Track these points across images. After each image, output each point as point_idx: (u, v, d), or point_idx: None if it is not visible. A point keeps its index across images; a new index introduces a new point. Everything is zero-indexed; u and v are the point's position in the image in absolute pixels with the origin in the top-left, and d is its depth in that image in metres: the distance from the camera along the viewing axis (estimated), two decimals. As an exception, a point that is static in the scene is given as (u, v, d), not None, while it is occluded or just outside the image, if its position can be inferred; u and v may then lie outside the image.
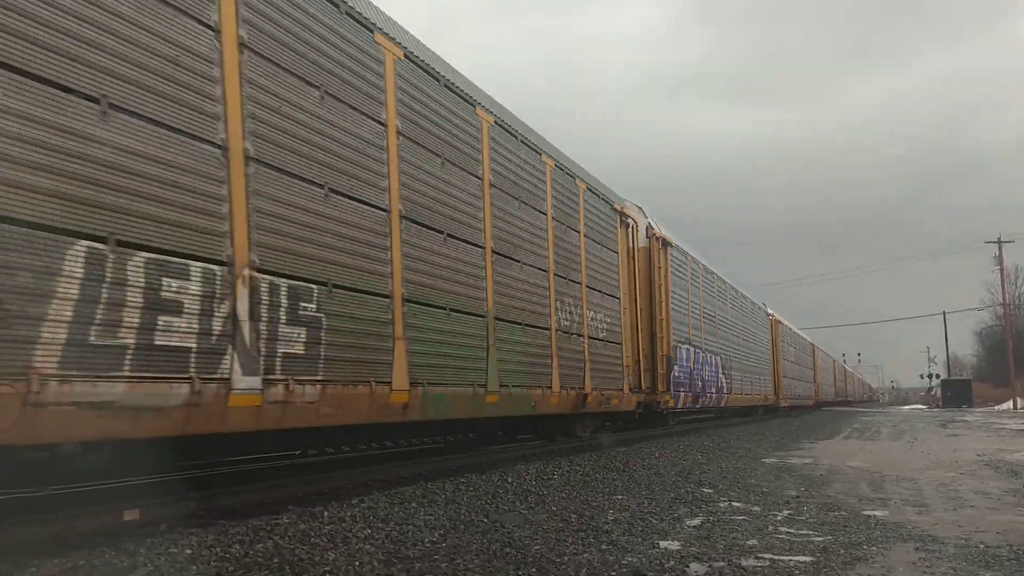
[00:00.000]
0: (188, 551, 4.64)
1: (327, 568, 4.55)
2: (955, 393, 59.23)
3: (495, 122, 10.06)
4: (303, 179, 6.51)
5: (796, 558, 4.96)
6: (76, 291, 4.60)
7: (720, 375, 21.40)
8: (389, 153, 7.72)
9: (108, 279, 4.81)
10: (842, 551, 5.15)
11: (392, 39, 7.89)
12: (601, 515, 6.46)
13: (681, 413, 19.14)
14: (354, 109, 7.23)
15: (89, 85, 4.78)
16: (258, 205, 5.98)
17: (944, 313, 70.61)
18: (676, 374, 16.82)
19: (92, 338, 4.69)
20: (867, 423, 27.83)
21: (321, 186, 6.72)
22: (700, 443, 14.82)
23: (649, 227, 16.05)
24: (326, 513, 5.95)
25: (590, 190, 13.24)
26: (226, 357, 5.55)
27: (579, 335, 12.16)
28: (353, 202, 7.14)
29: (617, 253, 14.25)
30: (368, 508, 6.28)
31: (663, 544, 5.34)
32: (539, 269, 10.96)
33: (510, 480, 8.28)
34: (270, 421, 6.03)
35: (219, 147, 5.68)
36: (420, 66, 8.36)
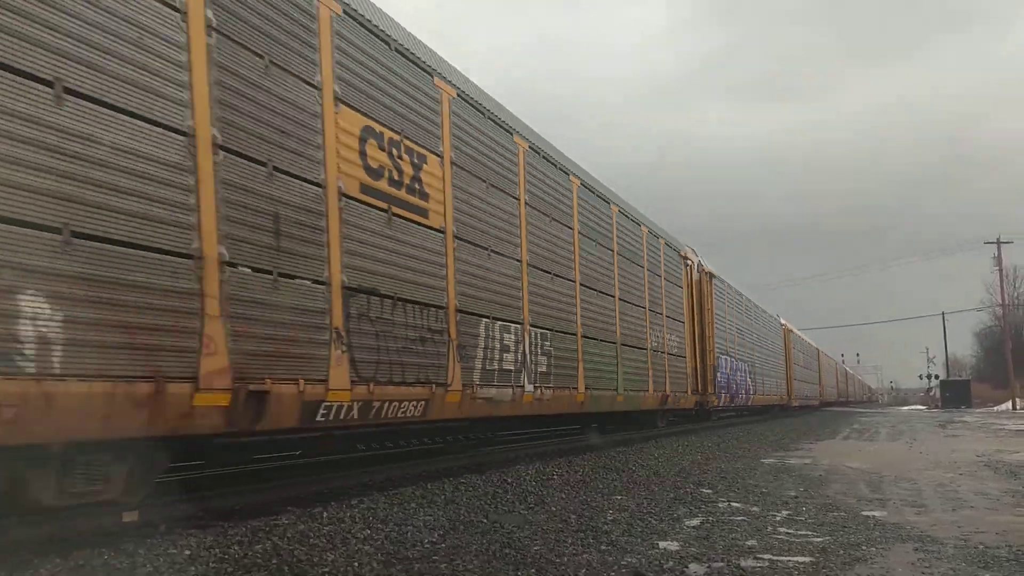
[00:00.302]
0: (187, 552, 4.64)
1: (326, 569, 4.56)
2: (954, 394, 59.28)
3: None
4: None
5: (795, 559, 4.96)
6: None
7: (748, 379, 25.42)
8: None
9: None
10: (841, 552, 5.16)
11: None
12: (600, 515, 6.46)
13: (721, 410, 23.40)
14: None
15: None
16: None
17: (943, 314, 70.67)
18: (718, 379, 21.02)
19: (494, 366, 9.45)
20: (866, 424, 27.84)
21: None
22: (699, 443, 14.83)
23: (700, 264, 20.38)
24: (325, 514, 5.95)
25: (668, 245, 17.76)
26: (522, 374, 10.11)
27: (662, 352, 16.48)
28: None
29: (682, 288, 18.50)
30: (367, 509, 6.28)
31: (662, 544, 5.35)
32: (639, 307, 15.22)
33: (509, 481, 8.29)
34: (533, 409, 10.53)
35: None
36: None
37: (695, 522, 6.24)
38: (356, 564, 4.69)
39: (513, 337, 9.98)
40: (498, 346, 9.56)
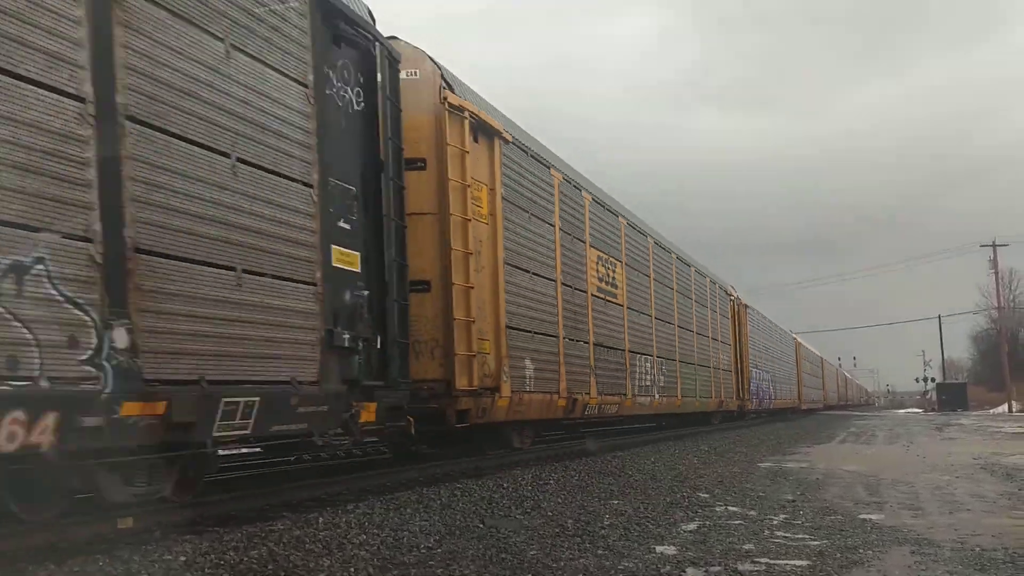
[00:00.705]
0: (183, 558, 4.63)
1: (322, 574, 4.54)
2: (950, 397, 59.32)
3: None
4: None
5: (792, 562, 4.95)
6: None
7: (770, 387, 32.22)
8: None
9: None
10: (838, 555, 5.15)
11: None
12: (597, 520, 6.44)
13: (751, 412, 29.39)
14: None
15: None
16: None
17: (939, 317, 70.76)
18: (751, 387, 27.86)
19: (643, 383, 16.52)
20: (863, 427, 27.87)
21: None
22: (696, 448, 14.83)
23: (737, 297, 27.42)
24: (321, 519, 5.94)
25: (717, 284, 24.47)
26: (653, 388, 16.75)
27: (719, 368, 23.41)
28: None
29: (728, 319, 25.75)
30: (363, 514, 6.26)
31: (659, 549, 5.34)
32: (706, 336, 21.94)
33: (506, 486, 8.27)
34: (656, 410, 17.03)
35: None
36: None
37: (692, 526, 6.23)
38: (352, 569, 4.68)
39: (649, 365, 16.65)
40: (642, 371, 16.15)
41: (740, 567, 4.80)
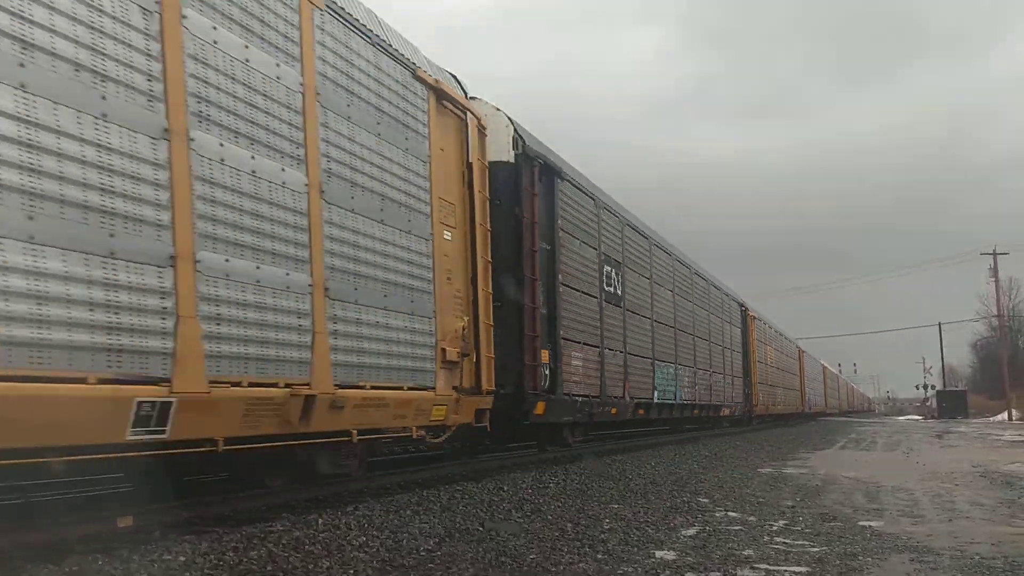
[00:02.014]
0: (182, 558, 4.63)
1: (321, 576, 4.55)
2: (950, 404, 59.30)
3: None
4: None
5: (792, 568, 4.95)
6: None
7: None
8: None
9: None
10: (837, 561, 5.15)
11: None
12: (597, 524, 6.44)
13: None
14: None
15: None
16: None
17: (939, 324, 70.72)
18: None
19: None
20: (863, 433, 27.85)
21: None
22: (696, 452, 14.82)
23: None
24: (321, 520, 5.94)
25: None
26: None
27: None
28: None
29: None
30: (363, 516, 6.26)
31: (659, 554, 5.34)
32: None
33: (506, 489, 8.27)
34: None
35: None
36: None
37: (692, 531, 6.23)
38: (352, 571, 4.68)
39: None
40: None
41: (739, 573, 4.80)
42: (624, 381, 14.44)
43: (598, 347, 13.20)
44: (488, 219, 9.39)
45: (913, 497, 8.58)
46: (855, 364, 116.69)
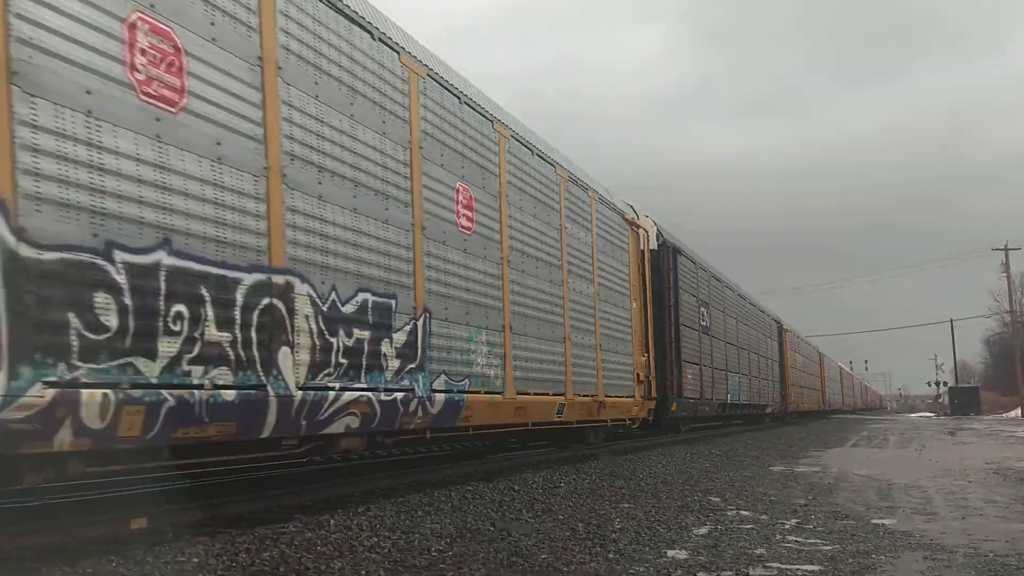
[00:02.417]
0: (195, 559, 4.65)
1: (334, 577, 4.56)
2: (963, 401, 59.01)
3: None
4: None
5: (804, 567, 4.94)
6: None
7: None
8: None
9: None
10: (850, 560, 5.13)
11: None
12: (608, 524, 6.44)
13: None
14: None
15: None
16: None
17: (951, 320, 70.36)
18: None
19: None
20: (875, 431, 27.75)
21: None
22: (707, 451, 14.79)
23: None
24: (332, 521, 5.95)
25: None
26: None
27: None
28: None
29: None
30: (374, 516, 6.28)
31: (671, 553, 5.33)
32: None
33: (516, 488, 8.27)
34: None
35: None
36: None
37: (703, 530, 6.22)
38: (364, 572, 4.69)
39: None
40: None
41: (752, 572, 4.79)
42: (712, 388, 20.44)
43: (698, 364, 19.04)
44: (652, 294, 15.64)
45: (926, 494, 8.55)
46: (866, 361, 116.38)
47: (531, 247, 10.40)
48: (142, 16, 4.98)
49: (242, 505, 6.46)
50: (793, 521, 6.69)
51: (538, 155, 10.92)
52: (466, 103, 8.99)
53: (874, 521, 6.69)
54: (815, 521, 6.69)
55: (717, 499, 8.08)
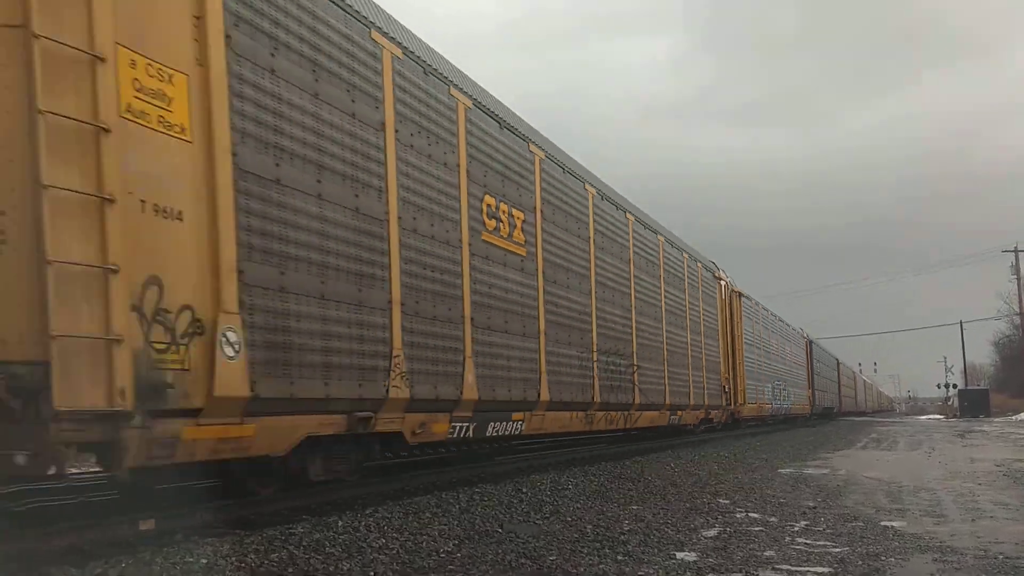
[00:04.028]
0: (203, 560, 4.65)
1: (342, 578, 4.55)
2: (972, 403, 58.66)
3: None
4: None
5: (814, 569, 4.92)
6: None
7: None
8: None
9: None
10: (860, 562, 5.11)
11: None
12: (616, 526, 6.43)
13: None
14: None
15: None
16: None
17: (961, 323, 70.05)
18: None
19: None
20: (884, 433, 27.65)
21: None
22: (716, 453, 14.75)
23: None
24: (340, 523, 5.95)
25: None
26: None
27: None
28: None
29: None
30: (382, 518, 6.27)
31: (679, 555, 5.32)
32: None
33: (524, 490, 8.26)
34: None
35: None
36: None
37: (712, 533, 6.20)
38: (372, 573, 4.69)
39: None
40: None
41: (761, 574, 4.78)
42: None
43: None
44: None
45: (936, 497, 8.51)
46: (875, 363, 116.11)
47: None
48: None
49: (250, 507, 6.47)
50: (802, 523, 6.67)
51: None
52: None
53: (884, 523, 6.66)
54: (824, 523, 6.66)
55: (726, 501, 8.06)
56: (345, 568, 4.76)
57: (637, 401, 13.39)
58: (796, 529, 6.38)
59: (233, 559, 4.74)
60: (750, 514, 7.20)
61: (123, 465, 4.62)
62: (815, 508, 7.60)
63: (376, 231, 6.94)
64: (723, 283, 21.25)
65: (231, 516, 6.05)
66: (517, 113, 10.21)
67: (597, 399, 11.56)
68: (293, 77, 6.06)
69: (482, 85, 9.37)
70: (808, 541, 5.85)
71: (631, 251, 13.65)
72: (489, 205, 8.93)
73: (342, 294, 6.45)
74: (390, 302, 7.03)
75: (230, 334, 5.31)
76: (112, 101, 4.60)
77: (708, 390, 18.38)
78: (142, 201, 4.78)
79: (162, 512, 5.61)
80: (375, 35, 7.11)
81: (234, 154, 5.45)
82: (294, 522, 5.92)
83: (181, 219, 5.03)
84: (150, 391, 4.69)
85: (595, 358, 11.61)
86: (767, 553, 5.40)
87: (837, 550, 5.50)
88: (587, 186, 11.91)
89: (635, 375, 13.38)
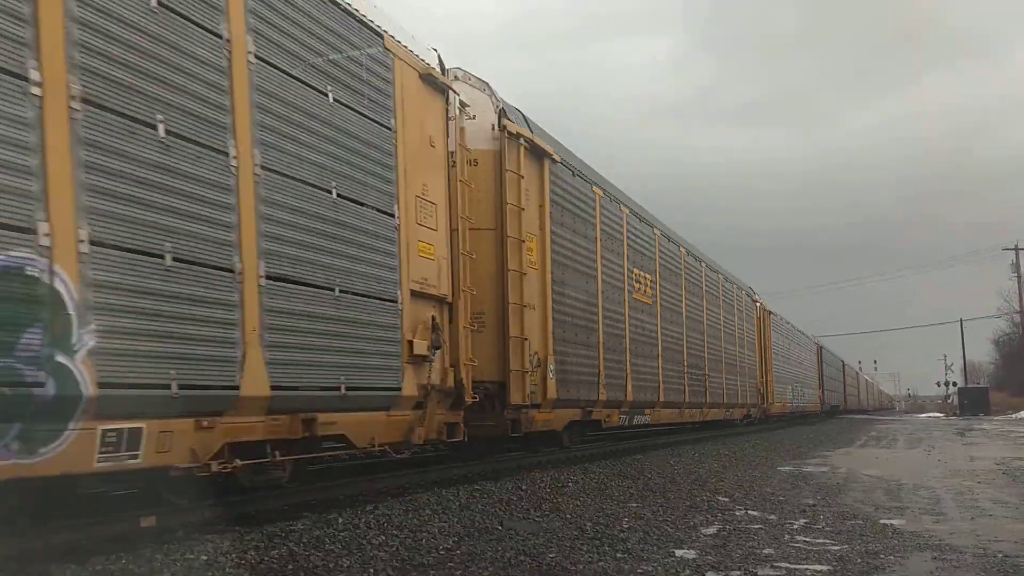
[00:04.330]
0: (204, 557, 4.66)
1: (342, 575, 4.57)
2: (972, 401, 58.63)
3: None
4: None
5: (813, 567, 4.93)
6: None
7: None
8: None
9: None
10: (859, 560, 5.12)
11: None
12: (616, 523, 6.44)
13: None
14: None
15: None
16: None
17: (961, 320, 70.05)
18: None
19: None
20: (884, 431, 27.67)
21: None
22: (716, 451, 14.76)
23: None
24: (340, 520, 5.96)
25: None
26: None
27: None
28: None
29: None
30: (382, 515, 6.28)
31: (679, 553, 5.33)
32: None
33: (524, 488, 8.27)
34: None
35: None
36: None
37: (712, 530, 6.21)
38: (372, 570, 4.70)
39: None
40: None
41: (760, 572, 4.79)
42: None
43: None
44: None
45: (935, 495, 8.52)
46: (875, 361, 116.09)
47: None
48: None
49: (250, 504, 6.47)
50: (802, 521, 6.68)
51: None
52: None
53: (883, 521, 6.67)
54: (824, 521, 6.68)
55: (725, 499, 8.07)
56: (345, 565, 4.77)
57: (708, 401, 18.88)
58: (795, 527, 6.39)
59: (233, 555, 4.75)
60: (749, 512, 7.21)
61: (522, 429, 9.81)
62: (814, 506, 7.61)
63: (593, 303, 12.22)
64: (758, 304, 26.70)
65: (231, 513, 6.06)
66: (645, 205, 15.81)
67: (687, 400, 17.13)
68: (574, 230, 11.69)
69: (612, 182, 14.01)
70: (807, 539, 5.86)
71: (703, 288, 19.13)
72: (634, 274, 14.07)
73: (581, 341, 11.64)
74: (599, 344, 12.25)
75: (551, 365, 10.45)
76: (523, 258, 9.82)
77: (748, 392, 23.66)
78: (527, 304, 9.86)
79: (163, 509, 5.61)
80: (595, 189, 12.74)
81: (552, 274, 10.69)
82: (294, 519, 5.93)
83: (534, 309, 10.18)
84: (531, 395, 9.85)
85: (685, 371, 16.87)
86: (766, 551, 5.41)
87: (836, 548, 5.51)
88: (680, 248, 17.48)
89: (706, 382, 18.61)
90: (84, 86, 4.44)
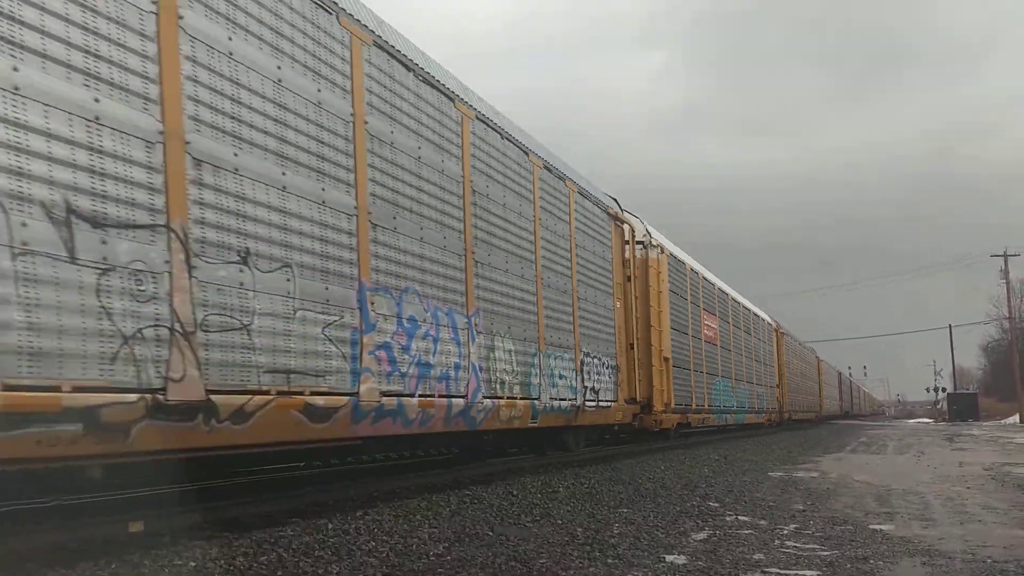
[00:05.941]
0: (192, 563, 4.64)
1: (331, 581, 4.54)
2: (961, 407, 58.96)
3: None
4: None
5: (802, 572, 4.93)
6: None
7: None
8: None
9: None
10: (848, 565, 5.13)
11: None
12: (607, 528, 6.43)
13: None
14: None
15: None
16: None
17: (950, 327, 70.35)
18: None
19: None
20: (873, 437, 27.75)
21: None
22: (707, 456, 14.78)
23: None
24: (330, 525, 5.94)
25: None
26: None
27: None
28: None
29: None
30: (372, 521, 6.27)
31: (669, 558, 5.32)
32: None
33: (515, 493, 8.26)
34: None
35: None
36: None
37: (702, 536, 6.22)
38: (361, 576, 4.68)
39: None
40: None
41: (750, 577, 4.79)
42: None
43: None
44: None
45: (924, 500, 8.54)
46: (864, 367, 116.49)
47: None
48: None
49: (239, 509, 6.45)
50: (792, 526, 6.69)
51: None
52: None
53: (872, 527, 6.68)
54: (814, 527, 6.68)
55: (716, 504, 8.07)
56: (335, 571, 4.75)
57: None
58: (785, 532, 6.40)
59: (222, 562, 4.72)
60: (740, 517, 7.22)
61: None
62: (804, 511, 7.62)
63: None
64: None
65: (220, 518, 6.04)
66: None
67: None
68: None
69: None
70: (797, 544, 5.87)
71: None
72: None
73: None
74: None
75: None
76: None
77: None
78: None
79: (151, 513, 5.59)
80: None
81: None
82: (283, 524, 5.91)
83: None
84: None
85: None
86: (756, 556, 5.41)
87: (826, 553, 5.52)
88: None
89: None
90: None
